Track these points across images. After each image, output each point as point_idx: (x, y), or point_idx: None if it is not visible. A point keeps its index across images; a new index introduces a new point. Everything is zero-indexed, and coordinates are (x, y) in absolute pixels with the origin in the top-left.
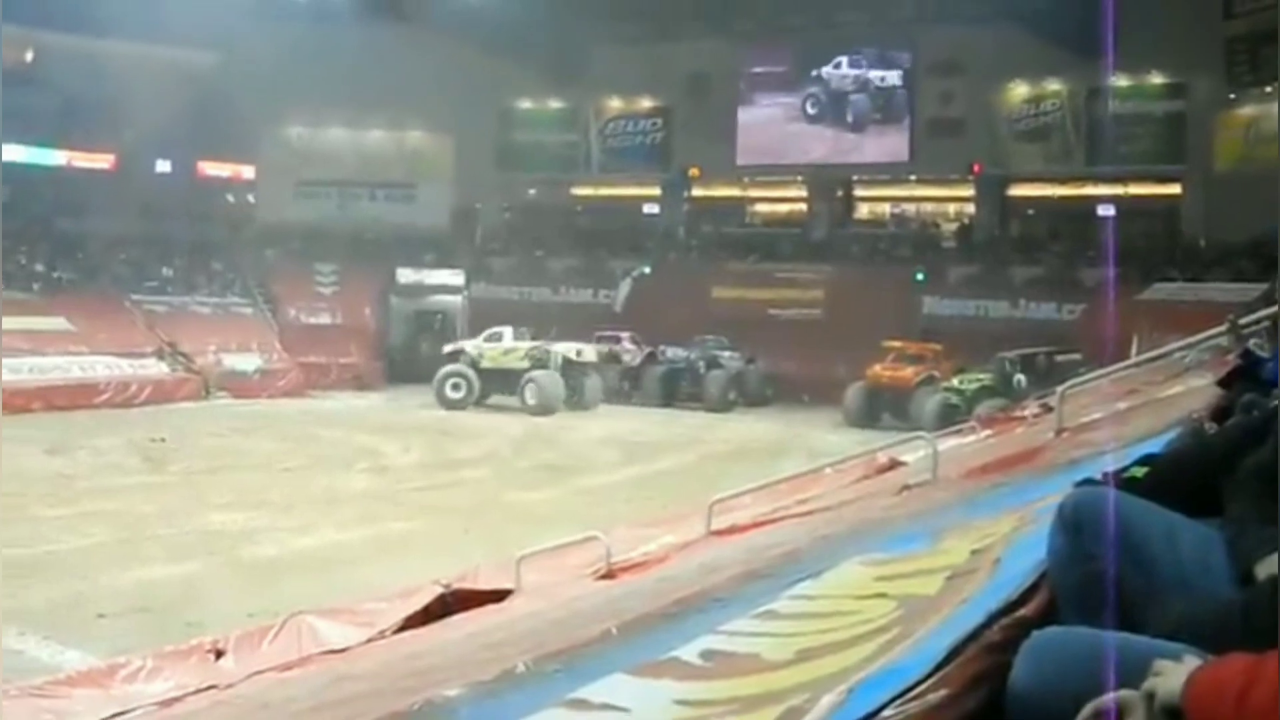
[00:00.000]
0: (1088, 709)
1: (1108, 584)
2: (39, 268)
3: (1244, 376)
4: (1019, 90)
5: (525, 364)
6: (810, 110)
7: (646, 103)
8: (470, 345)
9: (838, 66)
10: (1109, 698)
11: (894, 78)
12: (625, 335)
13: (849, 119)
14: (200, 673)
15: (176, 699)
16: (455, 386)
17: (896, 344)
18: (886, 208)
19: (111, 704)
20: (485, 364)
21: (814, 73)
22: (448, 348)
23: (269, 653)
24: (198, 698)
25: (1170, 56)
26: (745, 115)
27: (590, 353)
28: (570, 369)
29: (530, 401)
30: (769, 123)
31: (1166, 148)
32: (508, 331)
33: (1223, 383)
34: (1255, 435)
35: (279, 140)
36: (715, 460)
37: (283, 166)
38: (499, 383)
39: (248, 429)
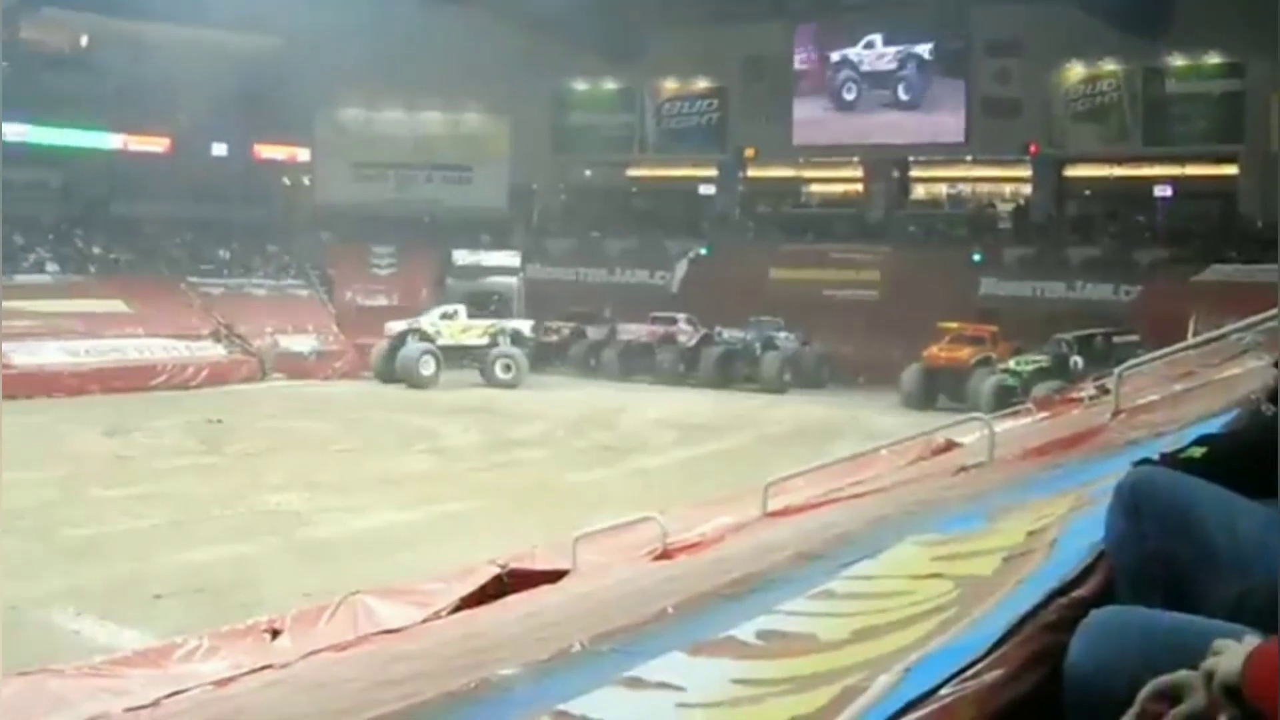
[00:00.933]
0: (1148, 688)
1: (1166, 564)
2: (96, 250)
3: None
4: (1076, 70)
5: (485, 340)
6: (846, 95)
7: (702, 83)
8: (426, 323)
9: (870, 46)
10: (1168, 678)
11: (928, 52)
12: (681, 317)
13: (902, 97)
14: (256, 652)
15: (232, 678)
16: (425, 364)
17: (953, 325)
18: (943, 188)
19: (168, 683)
20: (444, 340)
21: (837, 56)
22: (398, 326)
23: (325, 632)
24: (254, 677)
25: (1227, 36)
26: (800, 95)
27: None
28: (518, 344)
29: (503, 376)
30: (825, 102)
31: (1224, 128)
32: (462, 309)
33: None
34: None
35: (335, 122)
36: (770, 442)
37: (339, 149)
38: (457, 358)
39: (304, 410)
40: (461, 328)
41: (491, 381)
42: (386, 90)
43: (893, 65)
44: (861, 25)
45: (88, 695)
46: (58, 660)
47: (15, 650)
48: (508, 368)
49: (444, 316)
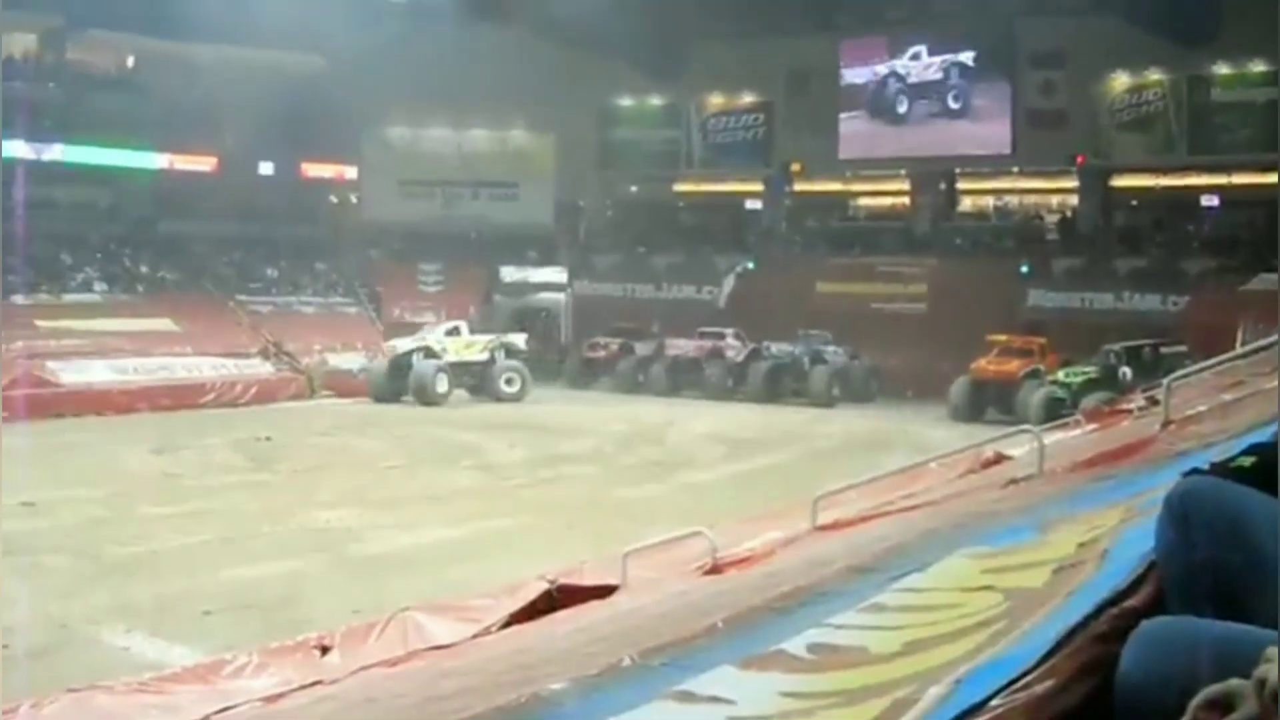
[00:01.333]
0: (1199, 697)
1: (1216, 573)
2: (143, 269)
3: None
4: (1120, 80)
5: (485, 355)
6: (893, 108)
7: (747, 98)
8: (433, 340)
9: (915, 58)
10: (1219, 686)
11: (973, 64)
12: (729, 331)
13: (950, 107)
14: (306, 668)
15: (282, 694)
16: (440, 382)
17: (1001, 338)
18: (990, 200)
19: (217, 699)
20: (449, 357)
21: (883, 68)
22: (404, 345)
23: (375, 648)
24: (303, 693)
25: (1272, 44)
26: (846, 108)
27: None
28: (512, 357)
29: (509, 390)
30: (871, 115)
31: (1269, 136)
32: (464, 325)
33: None
34: None
35: (381, 141)
36: (819, 456)
37: (385, 167)
38: (462, 375)
39: (352, 427)
40: (465, 344)
41: (496, 396)
42: (432, 108)
43: (939, 77)
44: (907, 38)
45: (137, 711)
46: (107, 677)
47: (65, 667)
48: (510, 381)
49: (449, 333)
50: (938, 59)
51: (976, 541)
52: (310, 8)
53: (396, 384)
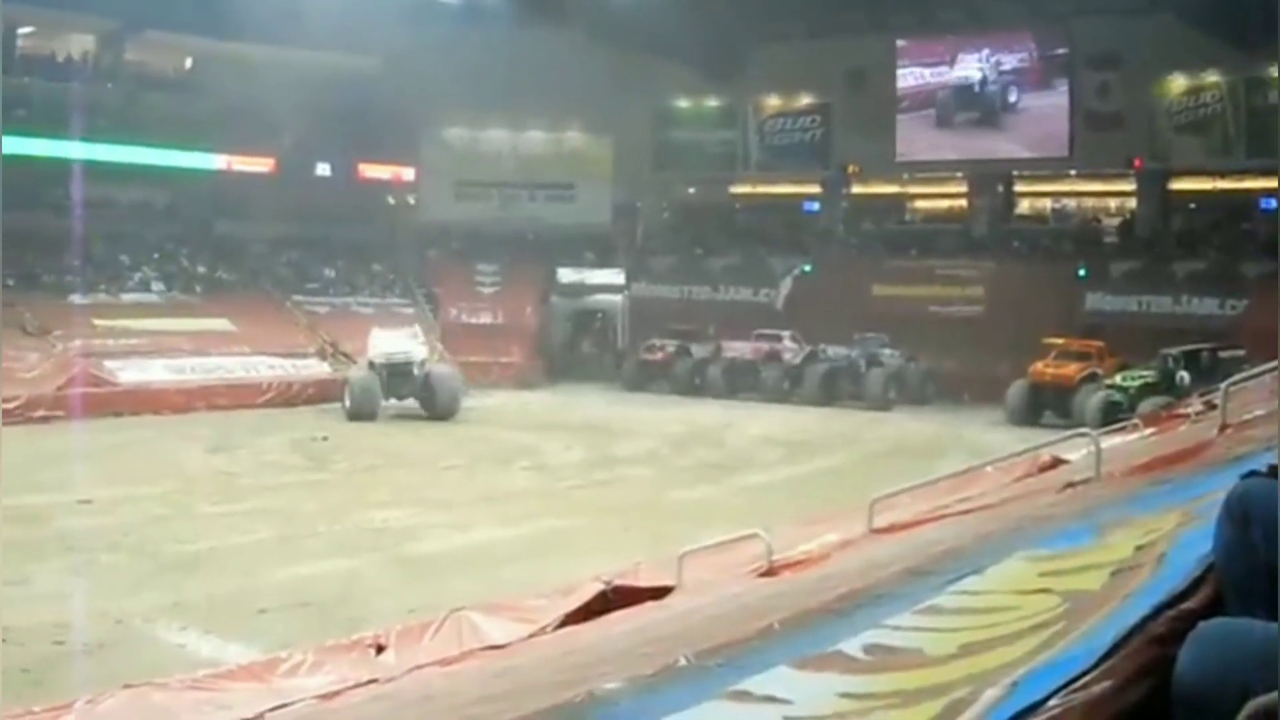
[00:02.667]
0: (1246, 710)
1: (1275, 575)
2: (201, 270)
3: None
4: (1178, 82)
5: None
6: (949, 110)
7: (805, 99)
8: (426, 347)
9: (972, 61)
10: (1267, 698)
11: (1030, 66)
12: (786, 334)
13: (1004, 111)
14: (361, 667)
15: (337, 692)
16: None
17: (1058, 341)
18: (1047, 203)
19: (272, 697)
20: (430, 365)
21: (939, 70)
22: (408, 350)
23: (430, 648)
24: (358, 691)
25: None
26: (903, 110)
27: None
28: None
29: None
30: (928, 117)
31: None
32: (420, 328)
33: None
34: None
35: (438, 142)
36: (875, 459)
37: (442, 168)
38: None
39: (408, 427)
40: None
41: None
42: (489, 110)
43: (995, 80)
44: (963, 40)
45: (192, 708)
46: (162, 674)
47: (121, 663)
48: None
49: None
50: (994, 63)
51: (1033, 544)
52: (365, 9)
53: (390, 395)
